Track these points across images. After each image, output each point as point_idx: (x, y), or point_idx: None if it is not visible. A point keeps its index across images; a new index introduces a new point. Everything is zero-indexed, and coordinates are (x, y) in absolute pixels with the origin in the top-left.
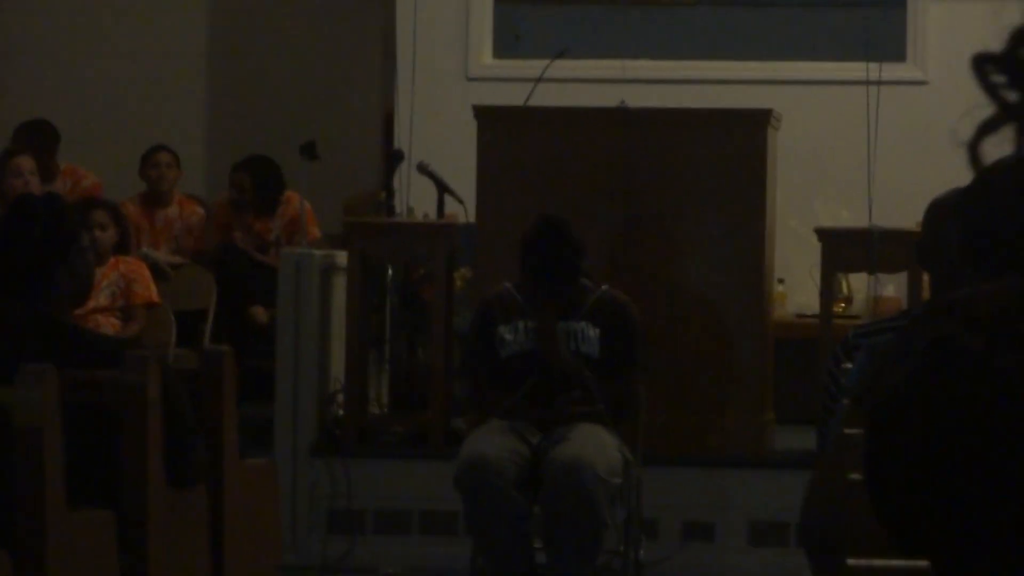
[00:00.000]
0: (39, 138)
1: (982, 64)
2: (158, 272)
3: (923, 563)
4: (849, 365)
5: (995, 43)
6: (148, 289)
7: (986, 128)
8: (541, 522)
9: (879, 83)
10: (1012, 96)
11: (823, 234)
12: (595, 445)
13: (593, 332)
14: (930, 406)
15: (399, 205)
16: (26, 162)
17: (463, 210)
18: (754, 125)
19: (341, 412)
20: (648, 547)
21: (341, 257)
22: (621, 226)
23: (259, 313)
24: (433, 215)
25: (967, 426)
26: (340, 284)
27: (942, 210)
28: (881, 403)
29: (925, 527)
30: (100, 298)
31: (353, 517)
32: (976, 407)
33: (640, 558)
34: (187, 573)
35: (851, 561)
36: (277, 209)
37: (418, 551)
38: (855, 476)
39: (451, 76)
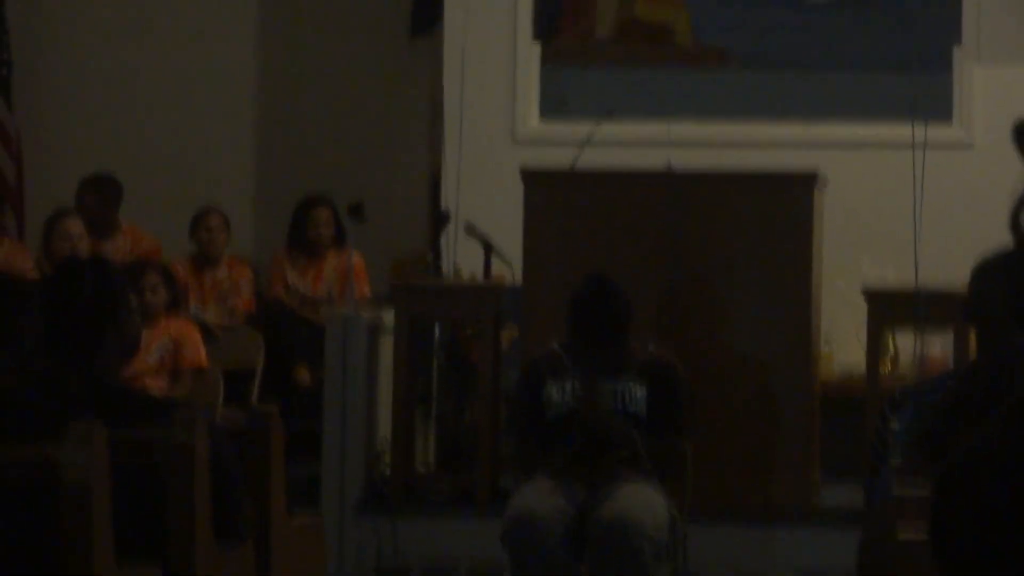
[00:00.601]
0: (104, 191)
1: (1020, 133)
2: (207, 334)
3: None
4: (896, 425)
5: None
6: (197, 353)
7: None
8: None
9: (925, 146)
10: None
11: (870, 293)
12: (642, 503)
13: (640, 391)
14: (1014, 464)
15: (446, 266)
16: (75, 225)
17: (510, 271)
18: (800, 187)
19: (388, 470)
20: None
21: (388, 317)
22: (668, 288)
23: (302, 375)
24: (480, 276)
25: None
26: (387, 344)
27: (989, 270)
28: (958, 463)
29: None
30: (149, 360)
31: (400, 574)
32: None
33: None
34: None
35: None
36: (336, 255)
37: None
38: (905, 536)
39: (498, 138)
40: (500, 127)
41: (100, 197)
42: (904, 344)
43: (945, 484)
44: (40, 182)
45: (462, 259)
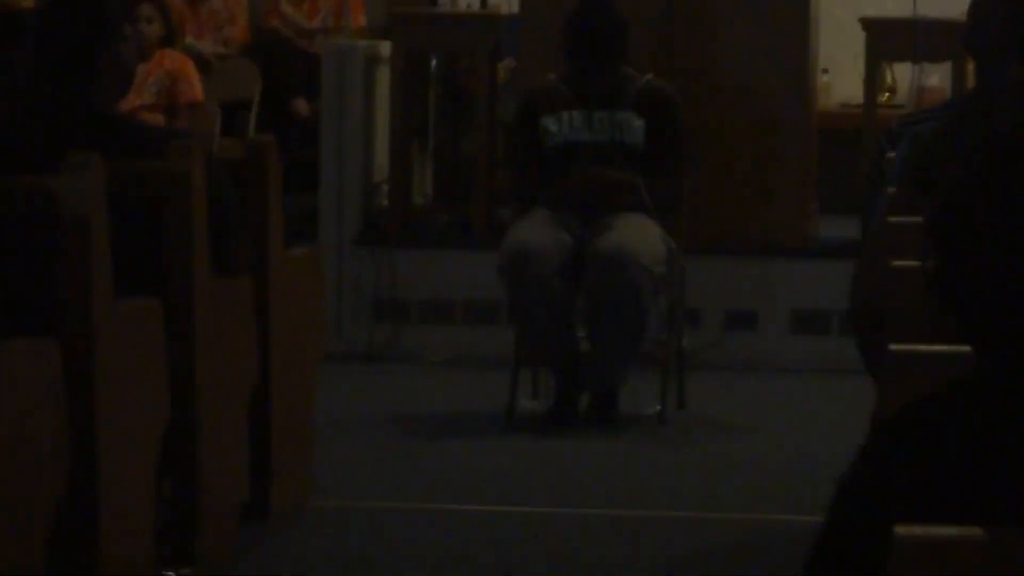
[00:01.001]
0: None
1: None
2: (202, 64)
3: (965, 348)
4: (893, 154)
5: None
6: (193, 88)
7: None
8: (585, 311)
9: None
10: None
11: (868, 23)
12: (639, 234)
13: (638, 122)
14: (992, 200)
15: None
16: None
17: (507, 2)
18: None
19: (385, 202)
20: (691, 335)
21: (385, 48)
22: (663, 19)
23: (301, 106)
24: (477, 6)
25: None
26: (384, 75)
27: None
28: (944, 202)
29: (992, 306)
30: (145, 95)
31: (398, 306)
32: None
33: (683, 346)
34: (234, 360)
35: (893, 347)
36: None
37: (462, 339)
38: (899, 263)
39: None
40: None
41: None
42: (902, 74)
43: (935, 223)
44: None
45: None
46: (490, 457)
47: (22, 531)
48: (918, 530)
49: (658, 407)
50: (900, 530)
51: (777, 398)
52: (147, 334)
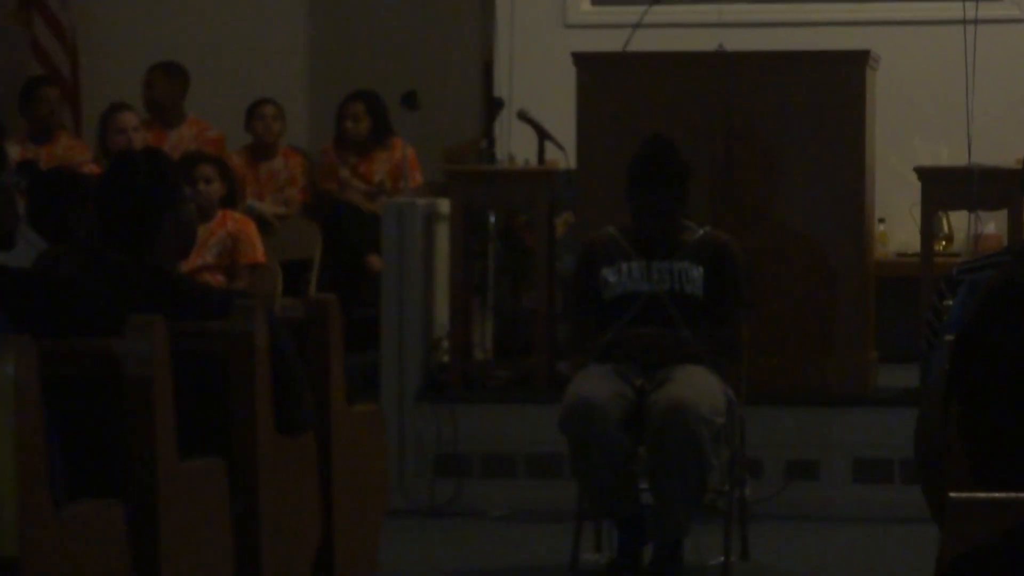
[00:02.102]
0: (173, 78)
1: None
2: (263, 225)
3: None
4: (951, 302)
5: None
6: (254, 248)
7: None
8: (646, 463)
9: (976, 22)
10: None
11: (923, 173)
12: (699, 386)
13: (697, 272)
14: (996, 333)
15: (500, 153)
16: (130, 118)
17: (564, 156)
18: (852, 66)
19: (446, 358)
20: (753, 486)
21: (443, 205)
22: (722, 170)
23: (374, 262)
24: (534, 162)
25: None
26: (443, 232)
27: None
28: (959, 336)
29: (1004, 449)
30: (207, 255)
31: (460, 461)
32: None
33: (745, 496)
34: (298, 518)
35: (953, 495)
36: (383, 151)
37: (524, 494)
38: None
39: (549, 23)
40: (551, 11)
41: (169, 84)
42: (958, 222)
43: (952, 357)
44: (95, 77)
45: (516, 146)
46: None
47: None
48: None
49: (721, 559)
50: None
51: (840, 548)
52: (212, 493)
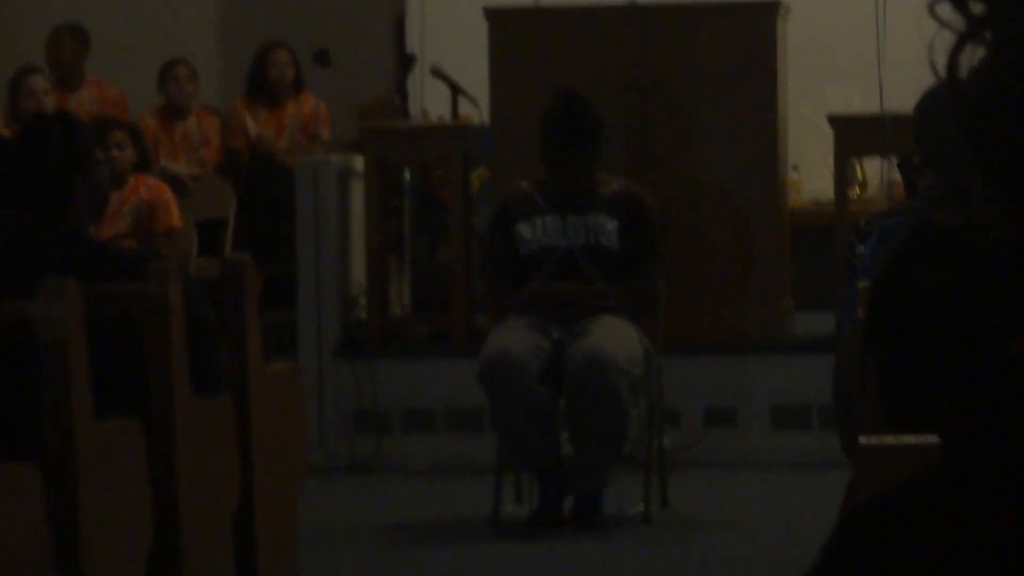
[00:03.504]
0: (76, 41)
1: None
2: (178, 186)
3: (930, 439)
4: (862, 250)
5: None
6: (169, 214)
7: (957, 49)
8: (565, 415)
9: None
10: (977, 8)
11: (836, 120)
12: (616, 337)
13: (612, 225)
14: (913, 278)
15: (413, 109)
16: (39, 82)
17: (477, 112)
18: (763, 16)
19: (364, 315)
20: (671, 435)
21: (358, 162)
22: (635, 121)
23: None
24: (448, 118)
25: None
26: (358, 189)
27: (936, 104)
28: (872, 284)
29: (916, 396)
30: (120, 223)
31: (379, 417)
32: (956, 277)
33: (664, 445)
34: (216, 478)
35: (862, 439)
36: (294, 105)
37: (445, 448)
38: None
39: None
40: None
41: (75, 45)
42: (872, 170)
43: (867, 307)
44: (2, 40)
45: (429, 102)
46: (476, 564)
47: None
48: None
49: (642, 508)
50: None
51: (760, 494)
52: (129, 455)
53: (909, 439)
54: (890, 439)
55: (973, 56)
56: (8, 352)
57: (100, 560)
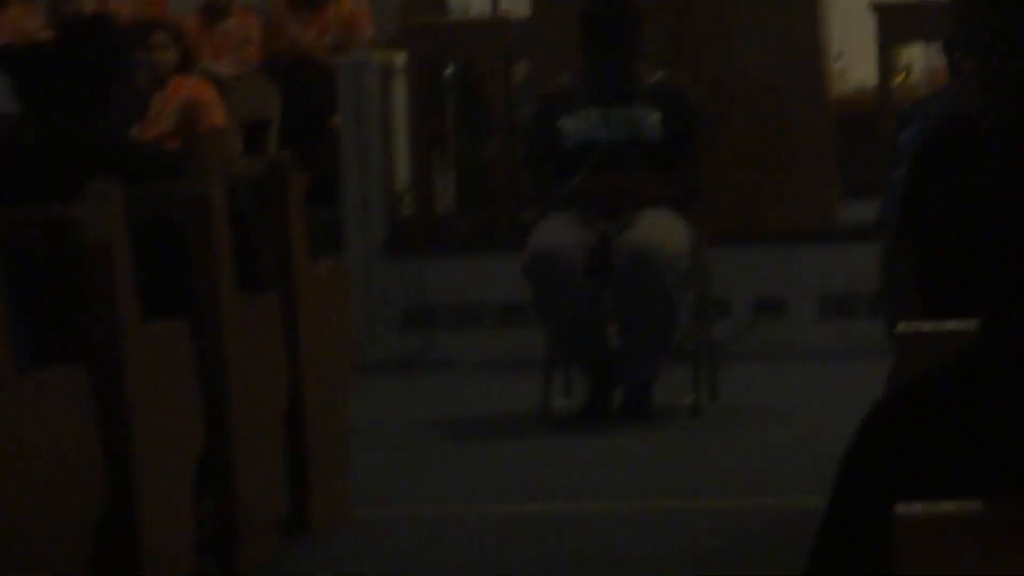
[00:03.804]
0: None
1: None
2: (221, 86)
3: (968, 325)
4: (904, 135)
5: None
6: (212, 114)
7: None
8: (614, 307)
9: None
10: None
11: (878, 8)
12: (663, 229)
13: (654, 117)
14: (946, 166)
15: (454, 5)
16: None
17: (518, 5)
18: None
19: (409, 211)
20: (720, 326)
21: (399, 59)
22: (676, 13)
23: (338, 123)
24: (489, 12)
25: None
26: (400, 86)
27: None
28: (907, 172)
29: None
30: (163, 124)
31: (427, 313)
32: (989, 162)
33: (713, 336)
34: (265, 377)
35: (901, 327)
36: (335, 4)
37: (493, 342)
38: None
39: None
40: None
41: None
42: (915, 56)
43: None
44: None
45: None
46: (526, 458)
47: (63, 557)
48: (917, 508)
49: (691, 399)
50: (900, 509)
51: (809, 383)
52: (176, 356)
53: (948, 325)
54: (928, 325)
55: None
56: (54, 256)
57: (150, 462)
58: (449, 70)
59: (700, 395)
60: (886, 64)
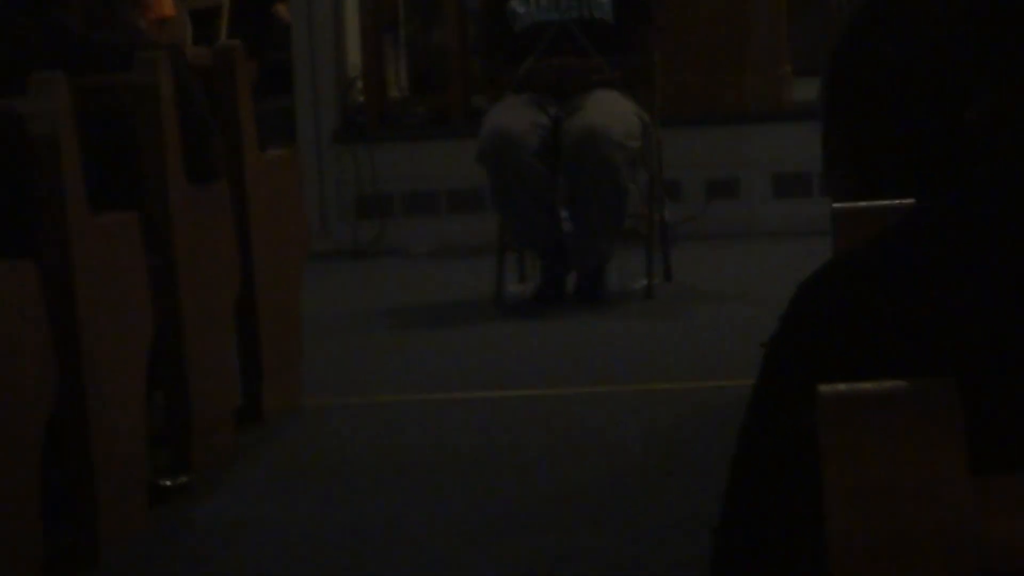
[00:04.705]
0: None
1: None
2: None
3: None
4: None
5: None
6: (162, 3)
7: None
8: (565, 191)
9: None
10: None
11: None
12: (612, 110)
13: None
14: (870, 49)
15: None
16: None
17: None
18: None
19: (361, 98)
20: (673, 208)
21: None
22: None
23: (282, 11)
24: None
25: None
26: None
27: None
28: (829, 56)
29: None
30: None
31: (381, 200)
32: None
33: (665, 219)
34: (216, 266)
35: (836, 205)
36: None
37: (447, 229)
38: None
39: None
40: None
41: None
42: None
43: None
44: None
45: None
46: (481, 343)
47: (14, 451)
48: (841, 387)
49: (644, 281)
50: (823, 388)
51: (763, 263)
52: (126, 247)
53: (884, 203)
54: (862, 204)
55: None
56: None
57: (101, 351)
58: None
59: (654, 278)
60: None
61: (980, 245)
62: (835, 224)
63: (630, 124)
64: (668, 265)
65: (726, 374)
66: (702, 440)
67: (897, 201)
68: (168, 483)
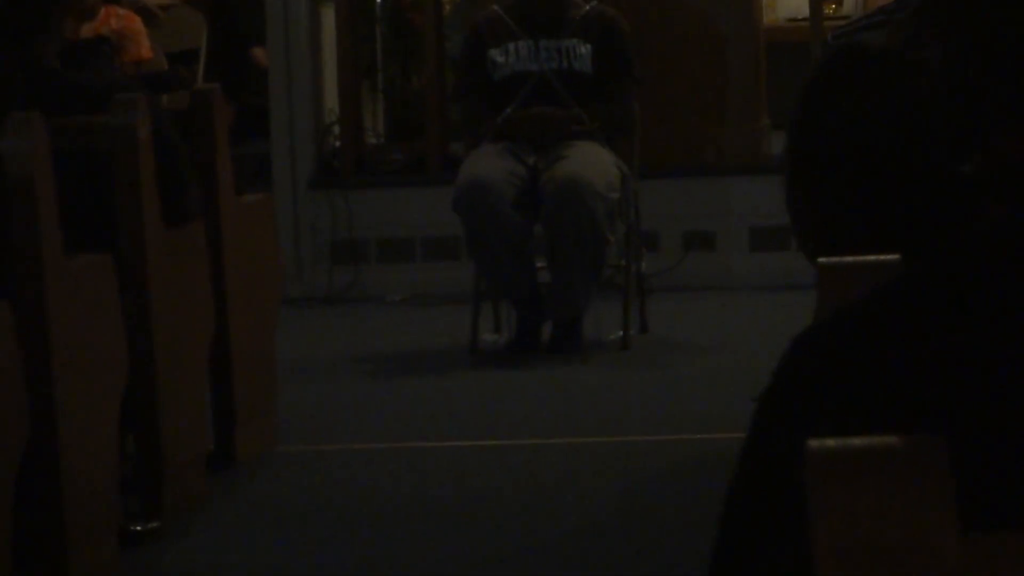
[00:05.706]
0: None
1: None
2: (149, 17)
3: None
4: None
5: None
6: (140, 46)
7: None
8: (543, 242)
9: None
10: None
11: None
12: (592, 161)
13: (585, 49)
14: (837, 106)
15: None
16: None
17: None
18: None
19: (338, 143)
20: (650, 259)
21: None
22: None
23: (260, 55)
24: None
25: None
26: (329, 15)
27: None
28: (792, 113)
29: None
30: None
31: (356, 246)
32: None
33: (642, 270)
34: (191, 310)
35: (821, 260)
36: None
37: (422, 276)
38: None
39: None
40: None
41: None
42: None
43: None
44: None
45: None
46: (455, 392)
47: None
48: (831, 442)
49: (620, 332)
50: (812, 443)
51: (739, 316)
52: (100, 289)
53: (869, 258)
54: (848, 259)
55: None
56: None
57: (74, 394)
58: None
59: (629, 329)
60: None
61: (974, 303)
62: (820, 279)
63: (610, 175)
64: (644, 316)
65: (702, 427)
66: (677, 493)
67: (882, 256)
68: (139, 528)
